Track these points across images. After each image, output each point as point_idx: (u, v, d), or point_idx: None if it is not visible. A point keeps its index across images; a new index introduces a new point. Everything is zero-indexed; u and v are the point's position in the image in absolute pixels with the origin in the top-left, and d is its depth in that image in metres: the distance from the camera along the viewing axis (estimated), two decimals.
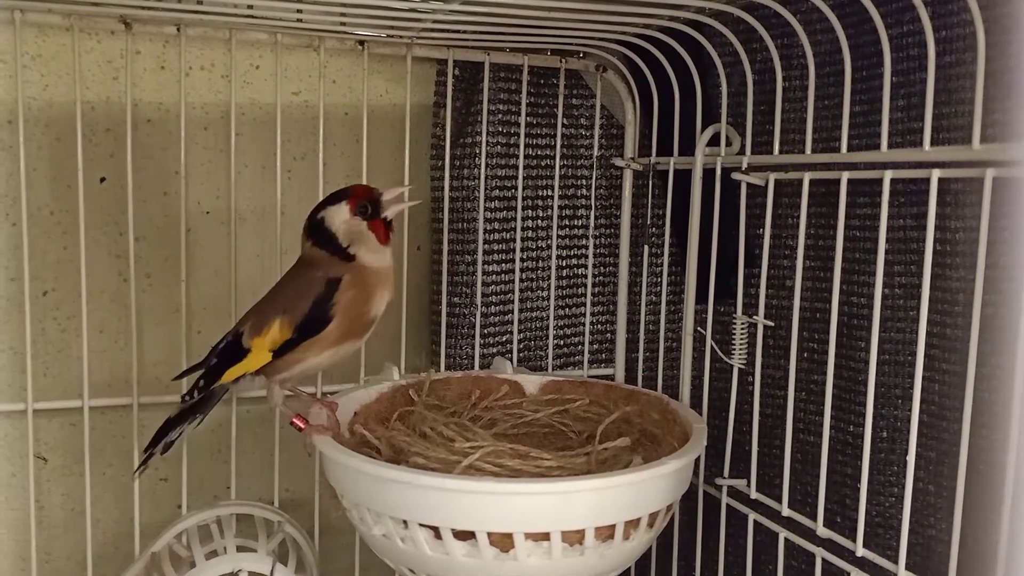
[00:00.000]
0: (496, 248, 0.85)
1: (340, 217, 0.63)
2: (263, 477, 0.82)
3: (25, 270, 0.72)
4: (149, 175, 0.78)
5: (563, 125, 0.87)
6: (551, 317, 0.88)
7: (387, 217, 0.65)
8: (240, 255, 0.80)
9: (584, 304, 0.89)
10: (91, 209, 0.75)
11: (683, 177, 0.78)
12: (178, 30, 0.75)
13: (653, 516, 0.57)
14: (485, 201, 0.84)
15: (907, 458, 0.56)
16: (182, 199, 0.76)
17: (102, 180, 0.77)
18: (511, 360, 0.84)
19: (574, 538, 0.54)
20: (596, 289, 0.90)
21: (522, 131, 0.85)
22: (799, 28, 0.63)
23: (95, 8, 0.70)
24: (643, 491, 0.55)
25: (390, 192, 0.65)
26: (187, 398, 0.63)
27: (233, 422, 0.79)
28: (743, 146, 0.72)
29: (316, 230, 0.64)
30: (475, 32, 0.76)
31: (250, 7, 0.69)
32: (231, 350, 0.62)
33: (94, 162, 0.76)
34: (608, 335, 0.90)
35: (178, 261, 0.77)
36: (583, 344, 0.90)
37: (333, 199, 0.64)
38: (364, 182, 0.81)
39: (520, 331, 0.87)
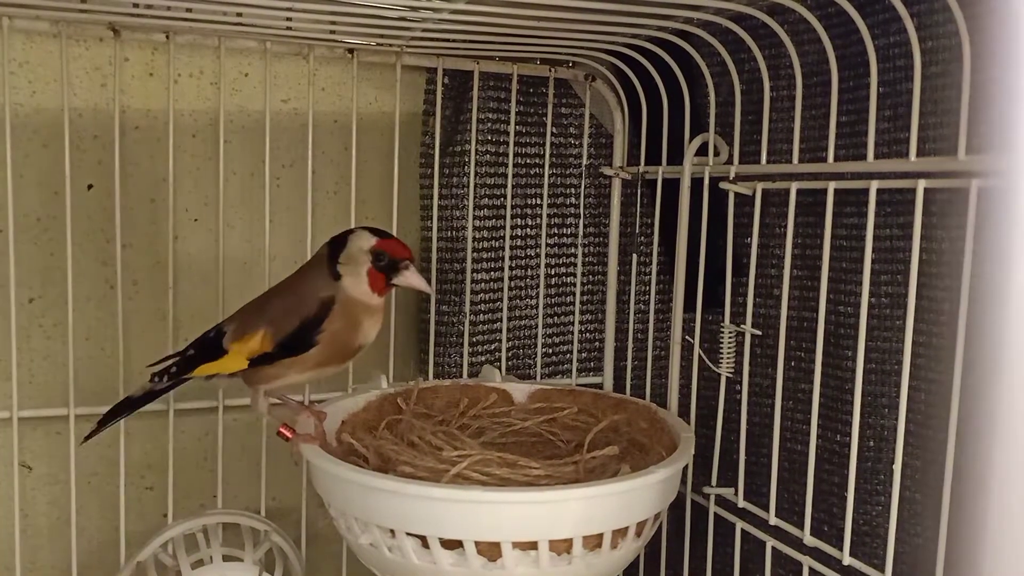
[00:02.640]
0: (485, 256, 0.85)
1: (359, 244, 0.62)
2: (250, 486, 0.82)
3: (11, 277, 0.72)
4: (137, 182, 0.78)
5: (552, 134, 0.87)
6: (539, 325, 0.88)
7: (392, 280, 0.62)
8: (228, 263, 0.80)
9: (573, 312, 0.89)
10: (78, 216, 0.75)
11: (671, 186, 0.78)
12: (167, 37, 0.75)
13: (641, 525, 0.57)
14: (474, 209, 0.84)
15: (893, 467, 0.57)
16: (170, 206, 0.76)
17: (89, 187, 0.77)
18: (499, 368, 0.84)
19: (562, 547, 0.54)
20: (584, 297, 0.90)
21: (511, 140, 0.85)
22: (786, 39, 0.64)
23: (84, 15, 0.70)
24: (631, 500, 0.55)
25: (413, 278, 0.63)
26: (156, 379, 0.62)
27: (220, 431, 0.79)
28: (731, 156, 0.72)
29: (336, 240, 0.63)
30: (464, 41, 0.76)
31: (239, 14, 0.69)
32: (209, 346, 0.62)
33: (81, 169, 0.76)
34: (596, 343, 0.90)
35: (165, 268, 0.77)
36: (571, 352, 0.90)
37: (375, 231, 0.63)
38: (353, 190, 0.81)
39: (509, 339, 0.87)
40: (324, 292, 0.61)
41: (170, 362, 0.63)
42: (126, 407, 0.64)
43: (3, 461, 0.76)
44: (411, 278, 0.62)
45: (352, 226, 0.79)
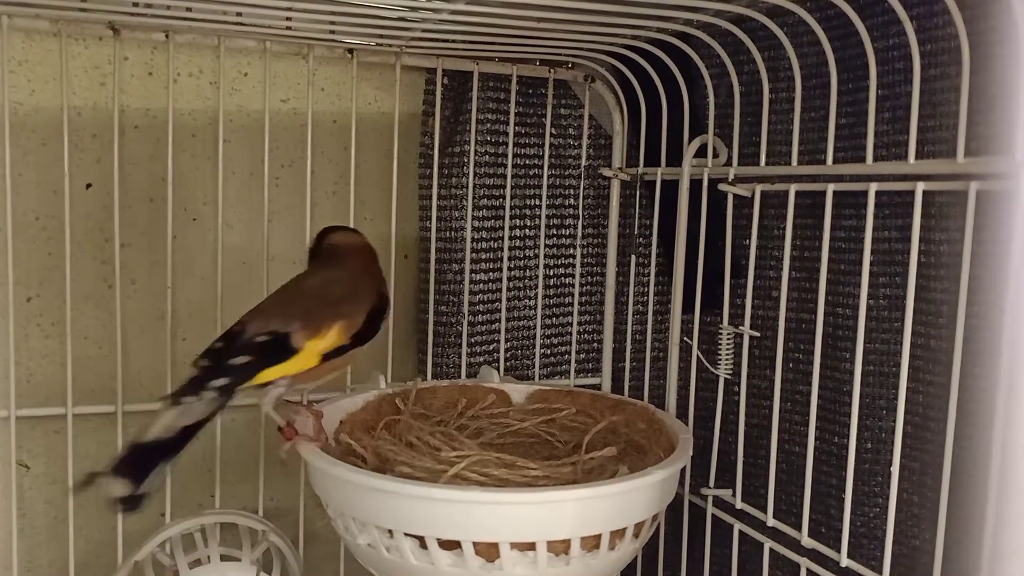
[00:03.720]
0: (484, 257, 0.85)
1: None
2: (247, 486, 0.81)
3: (9, 275, 0.72)
4: (136, 181, 0.78)
5: (551, 135, 0.87)
6: (538, 326, 0.88)
7: None
8: (226, 262, 0.80)
9: (571, 313, 0.89)
10: (76, 215, 0.75)
11: (670, 188, 0.78)
12: (166, 36, 0.75)
13: (639, 526, 0.57)
14: (473, 210, 0.84)
15: (891, 469, 0.57)
16: (169, 205, 0.76)
17: (88, 186, 0.77)
18: (498, 369, 0.83)
19: (560, 548, 0.54)
20: (583, 298, 0.90)
21: (510, 140, 0.85)
22: (786, 41, 0.64)
23: (83, 14, 0.70)
24: (629, 501, 0.55)
25: None
26: (185, 399, 0.54)
27: (218, 431, 0.79)
28: (730, 157, 0.72)
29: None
30: (464, 41, 0.76)
31: (239, 14, 0.69)
32: (274, 348, 0.57)
33: (80, 168, 0.76)
34: (595, 344, 0.90)
35: (164, 268, 0.77)
36: (570, 353, 0.90)
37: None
38: (352, 190, 0.81)
39: (507, 340, 0.87)
40: (381, 286, 0.65)
41: (203, 378, 0.55)
42: (158, 454, 0.54)
43: (1, 460, 0.76)
44: None
45: (352, 225, 0.80)
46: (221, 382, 0.55)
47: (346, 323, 0.60)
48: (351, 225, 0.80)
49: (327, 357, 0.59)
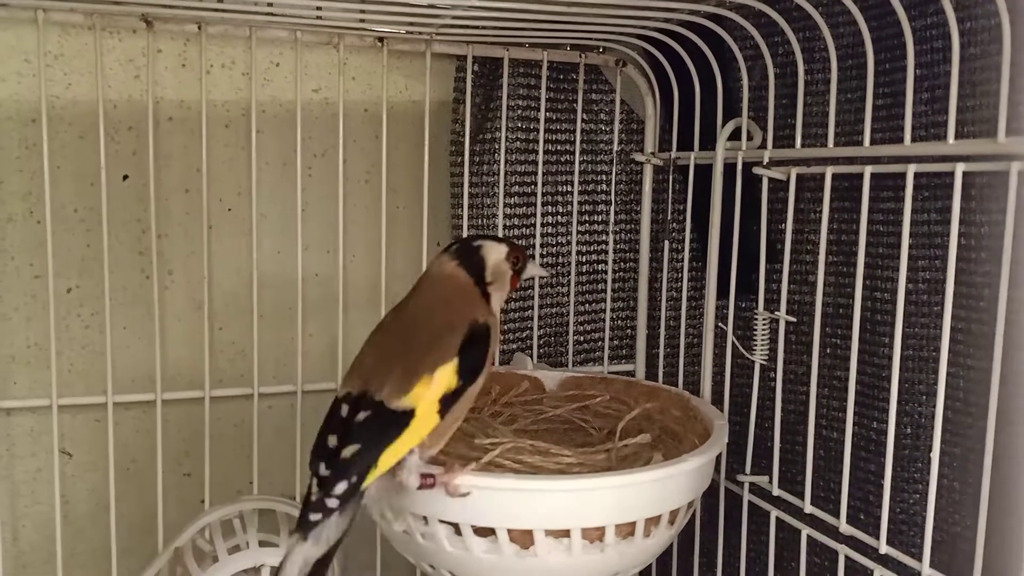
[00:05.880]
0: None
1: (495, 255, 0.59)
2: (285, 472, 0.82)
3: (49, 267, 0.73)
4: (171, 172, 0.79)
5: (583, 120, 0.86)
6: (571, 313, 0.88)
7: (523, 277, 0.61)
8: (261, 252, 0.80)
9: (604, 300, 0.89)
10: (114, 206, 0.75)
11: (704, 172, 0.77)
12: (199, 28, 0.75)
13: (674, 513, 0.57)
14: (504, 197, 0.83)
15: (931, 455, 0.56)
16: (204, 196, 0.77)
17: (125, 178, 0.78)
18: (531, 356, 0.83)
19: (594, 535, 0.54)
20: (616, 285, 0.89)
21: (541, 126, 0.85)
22: (821, 21, 0.63)
23: (117, 7, 0.71)
24: (664, 488, 0.55)
25: (534, 268, 0.62)
26: (313, 517, 0.48)
27: (255, 418, 0.79)
28: (764, 140, 0.71)
29: (467, 254, 0.58)
30: (494, 28, 0.76)
31: (270, 4, 0.69)
32: (377, 421, 0.49)
33: (117, 160, 0.77)
34: (628, 331, 0.90)
35: (200, 258, 0.78)
36: (603, 340, 0.89)
37: (491, 238, 0.60)
38: (384, 179, 0.81)
39: (540, 327, 0.87)
40: (471, 314, 0.55)
41: (325, 486, 0.49)
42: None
43: (44, 448, 0.77)
44: (532, 269, 0.61)
45: (383, 216, 0.80)
46: (353, 479, 0.48)
47: (447, 363, 0.52)
48: (383, 213, 0.80)
49: (445, 407, 0.51)
